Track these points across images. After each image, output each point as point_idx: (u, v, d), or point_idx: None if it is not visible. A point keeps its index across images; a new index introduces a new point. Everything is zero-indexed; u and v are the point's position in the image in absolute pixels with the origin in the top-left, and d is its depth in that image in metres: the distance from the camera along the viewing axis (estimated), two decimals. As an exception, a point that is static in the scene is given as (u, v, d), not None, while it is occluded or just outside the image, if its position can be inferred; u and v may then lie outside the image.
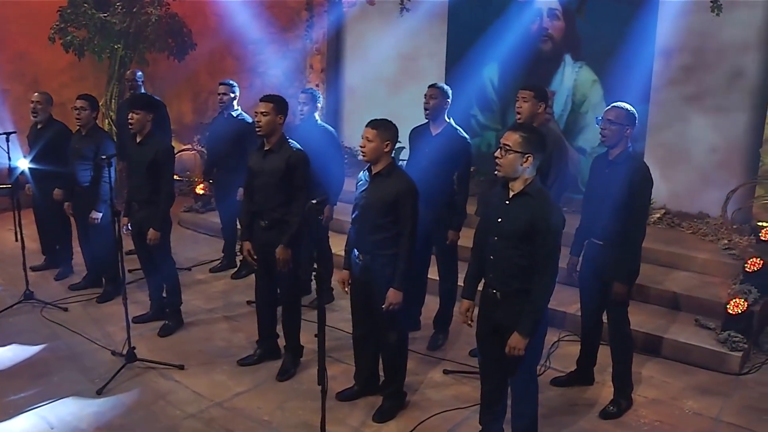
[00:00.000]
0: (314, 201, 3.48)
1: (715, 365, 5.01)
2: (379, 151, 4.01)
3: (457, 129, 5.12)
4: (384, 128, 4.01)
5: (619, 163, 4.18)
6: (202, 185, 8.46)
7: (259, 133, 4.62)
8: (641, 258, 4.31)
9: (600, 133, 4.23)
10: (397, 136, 4.09)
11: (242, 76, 9.17)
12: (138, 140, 5.23)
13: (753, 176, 6.70)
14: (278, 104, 4.60)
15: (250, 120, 6.42)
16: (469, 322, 3.73)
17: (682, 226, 6.98)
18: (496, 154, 3.41)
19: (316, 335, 3.58)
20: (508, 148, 3.37)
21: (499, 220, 3.46)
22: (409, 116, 5.44)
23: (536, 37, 7.78)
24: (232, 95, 6.43)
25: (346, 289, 4.33)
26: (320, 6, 9.32)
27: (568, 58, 7.72)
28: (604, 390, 4.64)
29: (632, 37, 6.93)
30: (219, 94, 6.41)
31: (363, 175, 4.18)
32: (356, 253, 4.20)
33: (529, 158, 3.36)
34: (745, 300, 5.21)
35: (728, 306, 5.20)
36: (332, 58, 9.55)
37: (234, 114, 6.45)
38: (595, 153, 6.14)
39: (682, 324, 5.44)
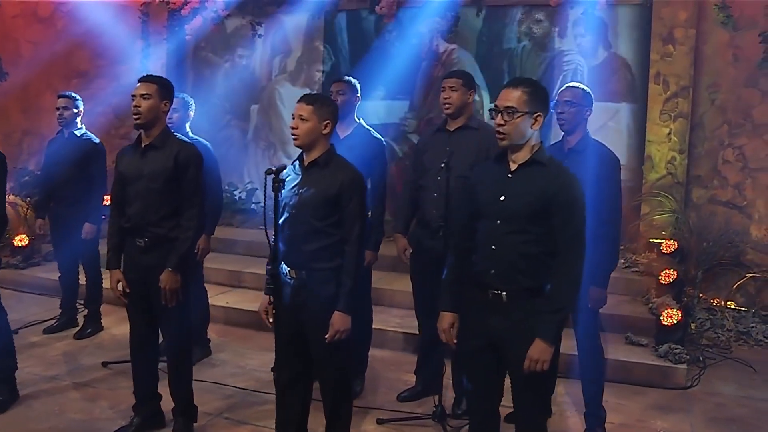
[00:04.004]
0: (272, 168, 2.61)
1: (660, 381, 4.67)
2: (316, 132, 3.17)
3: (369, 130, 4.42)
4: (322, 104, 3.19)
5: (580, 151, 3.69)
6: (21, 236, 6.94)
7: (137, 122, 3.56)
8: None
9: (558, 118, 3.74)
10: (338, 116, 3.28)
11: (65, 114, 7.85)
12: (-46, 151, 3.91)
13: (638, 194, 6.65)
14: (163, 86, 3.61)
15: (97, 140, 5.25)
16: (454, 341, 2.93)
17: (573, 250, 6.73)
18: (498, 121, 2.72)
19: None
20: (512, 109, 2.69)
21: (502, 198, 2.74)
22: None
23: (428, 64, 7.32)
24: (75, 111, 5.19)
25: (270, 319, 3.34)
26: (158, 34, 8.28)
27: None
28: (568, 421, 4.05)
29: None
30: (58, 108, 5.14)
31: (291, 168, 3.30)
32: (285, 269, 3.26)
33: (539, 118, 2.73)
34: (678, 309, 4.94)
35: (661, 318, 4.92)
36: (172, 93, 8.52)
37: (77, 133, 5.20)
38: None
39: (614, 343, 5.03)
